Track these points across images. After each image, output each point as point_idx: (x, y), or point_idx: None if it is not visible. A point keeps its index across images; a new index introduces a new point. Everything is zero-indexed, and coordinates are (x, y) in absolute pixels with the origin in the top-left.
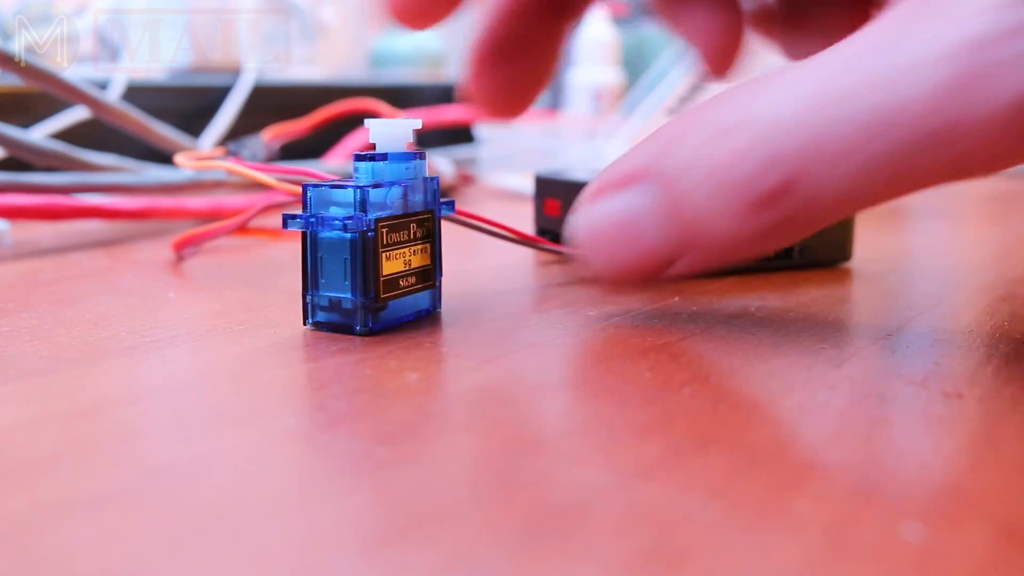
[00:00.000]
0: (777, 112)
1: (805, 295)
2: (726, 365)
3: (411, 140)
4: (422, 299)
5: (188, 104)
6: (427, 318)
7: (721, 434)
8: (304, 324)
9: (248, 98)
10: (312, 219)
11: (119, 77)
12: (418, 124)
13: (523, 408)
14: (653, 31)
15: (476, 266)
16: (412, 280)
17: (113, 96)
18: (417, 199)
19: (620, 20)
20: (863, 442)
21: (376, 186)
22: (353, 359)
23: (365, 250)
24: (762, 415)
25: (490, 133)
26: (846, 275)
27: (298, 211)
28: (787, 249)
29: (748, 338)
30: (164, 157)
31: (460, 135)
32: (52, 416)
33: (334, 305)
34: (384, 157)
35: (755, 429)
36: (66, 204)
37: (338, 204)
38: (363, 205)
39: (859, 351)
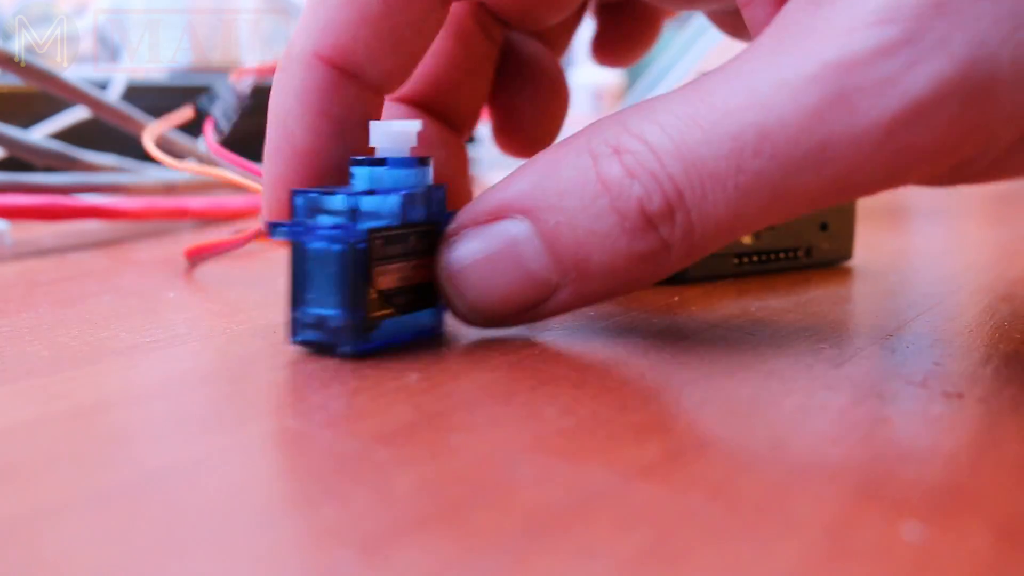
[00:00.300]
0: (659, 133)
1: (805, 295)
2: (726, 365)
3: (415, 144)
4: (423, 319)
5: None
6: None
7: (721, 434)
8: (289, 342)
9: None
10: (298, 228)
11: (119, 77)
12: (419, 126)
13: (523, 408)
14: None
15: None
16: (410, 298)
17: (113, 96)
18: (420, 209)
19: None
20: (863, 442)
21: (370, 193)
22: (353, 359)
23: (355, 263)
24: (762, 415)
25: (489, 133)
26: (846, 275)
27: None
28: (788, 249)
29: (748, 338)
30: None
31: None
32: (52, 416)
33: (320, 322)
34: (383, 162)
35: (755, 429)
36: (66, 204)
37: (327, 212)
38: (354, 214)
39: (859, 351)
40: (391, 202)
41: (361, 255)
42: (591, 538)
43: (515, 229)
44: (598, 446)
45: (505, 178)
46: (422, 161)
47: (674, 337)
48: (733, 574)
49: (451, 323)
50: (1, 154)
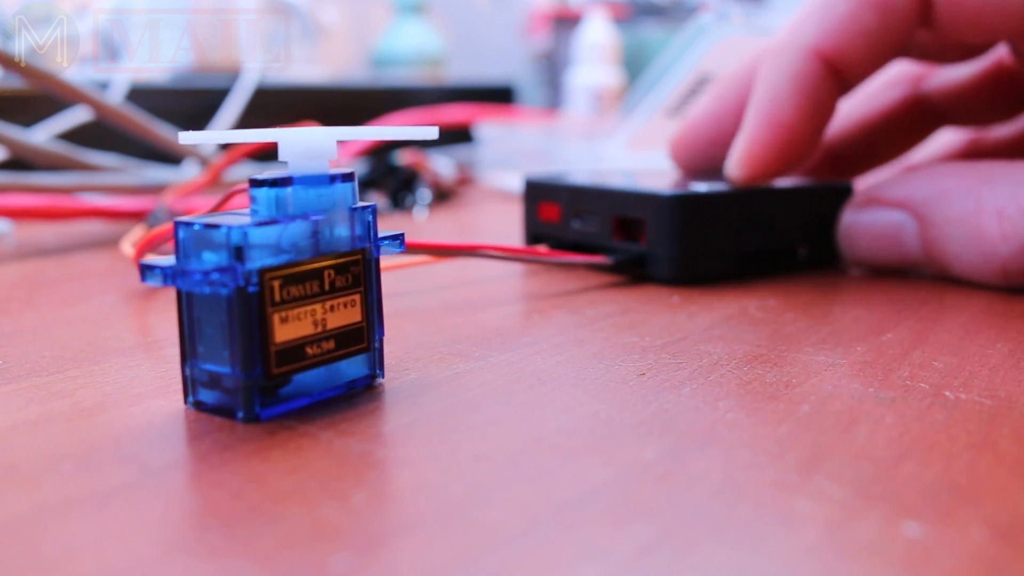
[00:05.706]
0: None
1: (805, 295)
2: (726, 365)
3: (334, 156)
4: (350, 368)
5: (190, 105)
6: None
7: (721, 434)
8: (184, 403)
9: (250, 99)
10: (170, 271)
11: (120, 78)
12: (336, 133)
13: (523, 408)
14: (653, 31)
15: (471, 269)
16: (329, 346)
17: (115, 97)
18: (341, 236)
19: (620, 21)
20: (864, 442)
21: (263, 224)
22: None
23: (246, 311)
24: (762, 415)
25: (489, 134)
26: (845, 275)
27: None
28: (788, 249)
29: (748, 338)
30: (165, 158)
31: (459, 136)
32: (54, 415)
33: (215, 381)
34: (288, 182)
35: (755, 428)
36: (68, 204)
37: (213, 248)
38: (240, 252)
39: (858, 351)
40: (295, 231)
41: (254, 300)
42: (591, 537)
43: (905, 220)
44: (598, 445)
45: (907, 177)
46: (345, 177)
47: (674, 337)
48: (733, 572)
49: (448, 311)
50: (3, 155)
